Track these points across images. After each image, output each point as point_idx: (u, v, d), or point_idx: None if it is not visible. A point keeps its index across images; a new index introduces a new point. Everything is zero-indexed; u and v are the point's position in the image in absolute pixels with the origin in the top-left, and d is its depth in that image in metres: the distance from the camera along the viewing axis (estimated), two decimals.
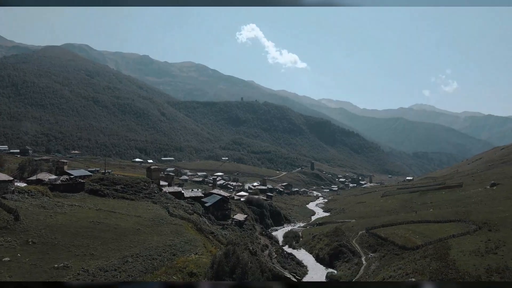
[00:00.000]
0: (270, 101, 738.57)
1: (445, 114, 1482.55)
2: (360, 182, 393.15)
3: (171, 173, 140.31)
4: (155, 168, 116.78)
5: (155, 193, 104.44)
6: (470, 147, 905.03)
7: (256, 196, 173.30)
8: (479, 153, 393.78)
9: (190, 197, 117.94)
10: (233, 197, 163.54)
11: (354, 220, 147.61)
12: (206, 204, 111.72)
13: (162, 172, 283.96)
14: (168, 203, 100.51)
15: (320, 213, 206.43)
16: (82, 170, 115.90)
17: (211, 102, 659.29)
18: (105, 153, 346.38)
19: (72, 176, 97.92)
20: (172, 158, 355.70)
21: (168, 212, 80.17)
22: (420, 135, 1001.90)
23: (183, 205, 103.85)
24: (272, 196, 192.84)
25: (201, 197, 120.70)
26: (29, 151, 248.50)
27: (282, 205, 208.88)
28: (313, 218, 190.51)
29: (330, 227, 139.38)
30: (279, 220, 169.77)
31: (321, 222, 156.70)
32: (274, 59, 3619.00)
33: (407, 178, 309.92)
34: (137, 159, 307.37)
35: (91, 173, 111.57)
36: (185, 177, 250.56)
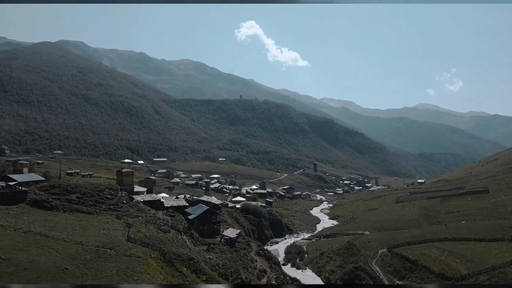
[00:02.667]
0: (270, 99, 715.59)
1: (450, 114, 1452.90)
2: (366, 184, 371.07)
3: (152, 177, 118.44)
4: (127, 171, 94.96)
5: (123, 203, 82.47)
6: (477, 148, 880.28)
7: (254, 203, 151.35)
8: (493, 154, 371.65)
9: (172, 207, 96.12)
10: (227, 204, 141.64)
11: (368, 233, 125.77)
12: (190, 217, 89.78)
13: (153, 174, 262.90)
14: (139, 216, 78.66)
15: (325, 221, 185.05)
16: (33, 174, 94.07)
17: (209, 100, 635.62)
18: (93, 153, 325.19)
19: (13, 183, 75.93)
20: (165, 159, 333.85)
21: (127, 235, 57.92)
22: (424, 135, 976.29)
23: (159, 219, 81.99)
24: (271, 202, 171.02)
25: (184, 206, 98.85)
26: (6, 150, 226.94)
27: (283, 211, 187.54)
28: (318, 226, 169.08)
29: (340, 241, 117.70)
30: (280, 230, 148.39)
31: (328, 234, 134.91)
32: (274, 57, 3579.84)
33: (419, 180, 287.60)
34: (126, 160, 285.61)
35: (44, 178, 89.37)
36: (176, 179, 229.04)
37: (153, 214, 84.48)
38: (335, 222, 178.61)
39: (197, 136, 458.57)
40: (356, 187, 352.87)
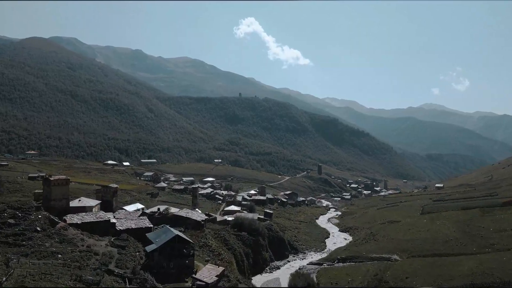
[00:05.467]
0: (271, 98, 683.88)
1: (456, 114, 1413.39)
2: (375, 188, 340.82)
3: (113, 185, 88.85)
4: (58, 179, 65.20)
5: (37, 231, 52.75)
6: (486, 149, 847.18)
7: (250, 216, 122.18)
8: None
9: (127, 231, 66.59)
10: (215, 218, 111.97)
11: (398, 258, 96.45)
12: (149, 248, 60.21)
13: (138, 178, 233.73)
14: (58, 254, 49.15)
15: (336, 234, 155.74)
16: None
17: (206, 97, 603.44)
18: (77, 154, 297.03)
19: None
20: (155, 160, 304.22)
21: None
22: (431, 135, 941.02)
23: (95, 255, 52.62)
24: (271, 213, 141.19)
25: (146, 229, 69.17)
26: None
27: (286, 223, 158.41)
28: (328, 243, 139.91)
29: (364, 270, 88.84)
30: (282, 250, 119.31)
31: (344, 257, 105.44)
32: (275, 55, 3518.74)
33: (437, 185, 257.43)
34: (110, 161, 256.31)
35: None
36: (163, 184, 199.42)
37: (88, 246, 54.88)
38: (347, 237, 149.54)
39: (192, 135, 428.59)
40: (365, 192, 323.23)
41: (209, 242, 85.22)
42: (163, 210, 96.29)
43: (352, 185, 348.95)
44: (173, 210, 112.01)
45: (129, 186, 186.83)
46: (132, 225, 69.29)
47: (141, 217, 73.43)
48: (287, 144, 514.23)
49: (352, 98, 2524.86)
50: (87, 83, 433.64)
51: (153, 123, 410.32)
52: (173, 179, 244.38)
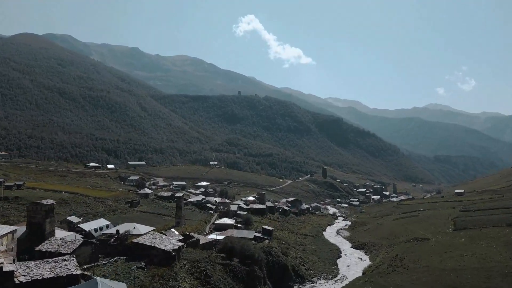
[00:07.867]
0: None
1: (462, 115, 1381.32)
2: (384, 193, 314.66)
3: (48, 201, 62.79)
4: None
5: None
6: (495, 150, 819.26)
7: (245, 233, 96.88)
8: None
9: (34, 283, 40.86)
10: (198, 240, 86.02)
11: None
12: None
13: (122, 182, 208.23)
14: None
15: (348, 252, 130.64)
16: None
17: (203, 96, 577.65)
18: (60, 156, 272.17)
19: None
20: (143, 163, 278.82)
21: None
22: (438, 136, 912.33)
23: None
24: (271, 230, 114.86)
25: (69, 279, 43.16)
26: None
27: (289, 237, 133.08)
28: (341, 265, 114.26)
29: None
30: (285, 280, 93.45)
31: None
32: (276, 54, 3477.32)
33: (456, 191, 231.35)
34: (92, 164, 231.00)
35: None
36: (147, 190, 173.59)
37: None
38: (363, 256, 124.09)
39: (188, 136, 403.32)
40: (373, 197, 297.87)
41: (180, 286, 59.25)
42: (122, 234, 70.27)
43: (360, 190, 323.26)
44: (143, 229, 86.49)
45: (107, 193, 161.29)
46: (46, 272, 43.34)
47: (66, 258, 47.24)
48: (288, 145, 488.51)
49: (355, 98, 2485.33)
50: (77, 80, 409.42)
51: (146, 123, 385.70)
52: (162, 183, 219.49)
